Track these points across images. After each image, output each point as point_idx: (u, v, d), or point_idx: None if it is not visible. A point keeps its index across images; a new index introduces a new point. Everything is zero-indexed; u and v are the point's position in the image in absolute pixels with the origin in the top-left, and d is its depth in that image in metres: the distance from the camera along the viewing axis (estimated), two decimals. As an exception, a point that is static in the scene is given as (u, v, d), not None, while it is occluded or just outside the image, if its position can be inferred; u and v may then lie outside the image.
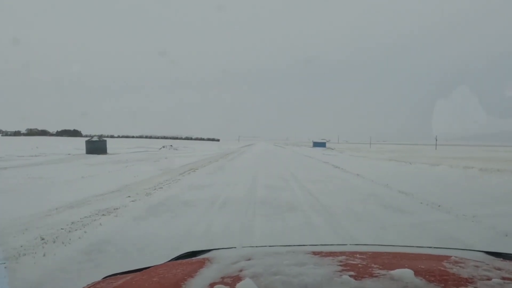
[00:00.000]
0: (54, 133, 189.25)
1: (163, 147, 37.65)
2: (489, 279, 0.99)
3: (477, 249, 1.50)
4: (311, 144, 73.27)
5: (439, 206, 6.67)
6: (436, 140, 62.00)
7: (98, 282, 1.20)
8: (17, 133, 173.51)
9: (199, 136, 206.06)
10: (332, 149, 66.34)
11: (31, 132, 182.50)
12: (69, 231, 4.80)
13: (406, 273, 1.00)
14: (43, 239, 4.42)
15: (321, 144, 68.37)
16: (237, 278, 1.03)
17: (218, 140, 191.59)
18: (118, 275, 1.29)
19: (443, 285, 0.95)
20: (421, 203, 7.06)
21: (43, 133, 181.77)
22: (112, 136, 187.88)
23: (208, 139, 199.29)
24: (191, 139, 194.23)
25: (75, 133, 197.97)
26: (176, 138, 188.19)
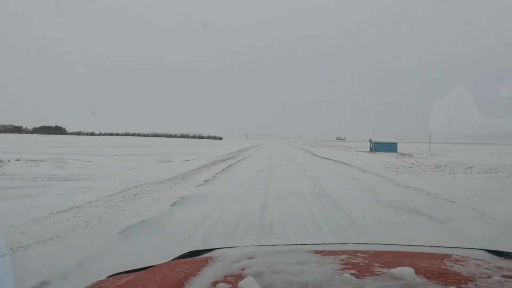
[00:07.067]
0: (31, 129, 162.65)
1: None
2: (489, 277, 0.98)
3: (478, 248, 1.44)
4: (357, 146, 44.08)
5: None
6: None
7: (102, 281, 1.19)
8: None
9: (200, 133, 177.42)
10: (411, 156, 37.10)
11: (5, 129, 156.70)
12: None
13: (407, 271, 0.99)
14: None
15: (390, 147, 36.99)
16: (240, 277, 1.03)
17: (220, 139, 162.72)
18: (121, 274, 1.29)
19: (443, 283, 0.94)
20: None
21: (18, 130, 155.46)
22: (92, 134, 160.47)
23: (209, 137, 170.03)
24: (187, 137, 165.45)
25: (57, 130, 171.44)
26: (170, 136, 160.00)
